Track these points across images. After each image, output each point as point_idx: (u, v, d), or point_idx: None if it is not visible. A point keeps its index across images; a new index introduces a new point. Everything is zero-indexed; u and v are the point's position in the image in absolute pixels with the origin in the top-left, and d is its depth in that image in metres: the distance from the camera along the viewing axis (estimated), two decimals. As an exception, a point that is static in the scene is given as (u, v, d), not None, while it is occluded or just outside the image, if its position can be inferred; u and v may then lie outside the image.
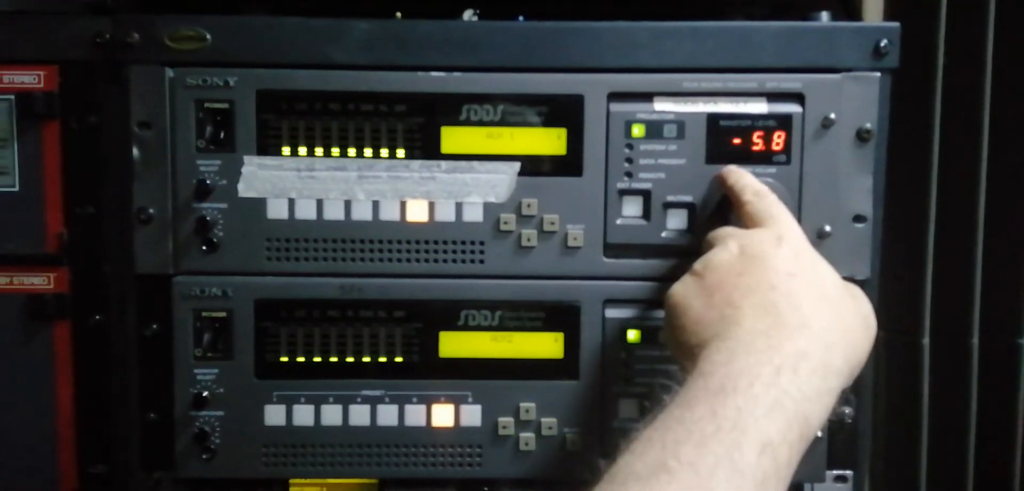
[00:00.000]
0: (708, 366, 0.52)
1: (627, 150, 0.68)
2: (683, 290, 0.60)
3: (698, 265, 0.61)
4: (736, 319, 0.54)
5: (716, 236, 0.63)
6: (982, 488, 0.79)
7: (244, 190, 0.68)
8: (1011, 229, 0.75)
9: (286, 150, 0.68)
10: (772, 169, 0.68)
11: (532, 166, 0.69)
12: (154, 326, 0.70)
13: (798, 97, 0.68)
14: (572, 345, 0.71)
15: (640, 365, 0.71)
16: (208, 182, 0.68)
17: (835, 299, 0.57)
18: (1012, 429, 0.77)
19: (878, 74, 0.68)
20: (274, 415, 0.71)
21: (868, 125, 0.68)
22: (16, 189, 0.69)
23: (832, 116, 0.67)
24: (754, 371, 0.51)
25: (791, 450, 0.50)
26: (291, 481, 0.73)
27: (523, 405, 0.71)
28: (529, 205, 0.69)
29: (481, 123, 0.68)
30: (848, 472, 0.73)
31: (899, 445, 0.79)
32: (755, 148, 0.68)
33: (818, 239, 0.68)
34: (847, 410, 0.71)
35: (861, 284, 0.69)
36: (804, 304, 0.55)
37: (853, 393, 0.71)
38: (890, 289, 0.75)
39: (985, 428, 0.77)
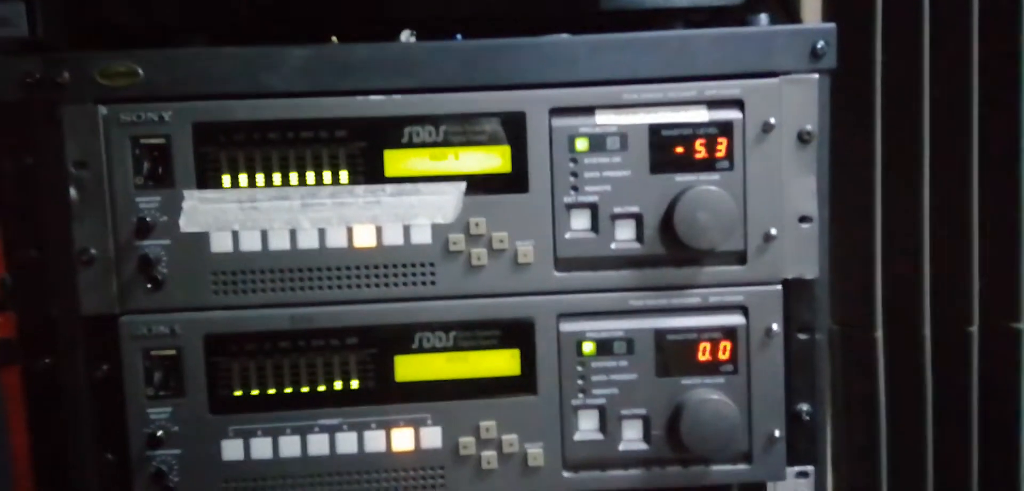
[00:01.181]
0: None
1: (572, 164, 0.68)
2: None
3: None
4: None
5: None
6: (941, 473, 0.79)
7: (186, 225, 0.67)
8: (957, 219, 0.76)
9: (227, 182, 0.67)
10: (715, 175, 0.68)
11: (478, 185, 0.68)
12: (104, 367, 0.69)
13: (738, 103, 0.68)
14: (528, 361, 0.70)
15: (597, 377, 0.71)
16: (149, 219, 0.67)
17: None
18: (967, 414, 0.78)
19: (816, 75, 0.68)
20: (231, 450, 0.70)
21: (809, 127, 0.68)
22: (-45, 236, 0.68)
23: (772, 120, 0.68)
24: None
25: None
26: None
27: (483, 423, 0.70)
28: (477, 224, 0.68)
29: (424, 145, 0.68)
30: (809, 468, 0.74)
31: (859, 437, 0.79)
32: (698, 156, 0.68)
33: (765, 242, 0.69)
34: (805, 408, 0.72)
35: (811, 284, 0.70)
36: None
37: (809, 392, 0.71)
38: (841, 286, 0.75)
39: (941, 414, 0.78)
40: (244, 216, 0.68)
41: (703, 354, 0.70)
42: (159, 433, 0.69)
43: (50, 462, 0.72)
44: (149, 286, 0.68)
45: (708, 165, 0.68)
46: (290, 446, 0.70)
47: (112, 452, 0.70)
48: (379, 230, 0.68)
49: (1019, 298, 0.75)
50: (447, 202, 0.68)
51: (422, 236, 0.68)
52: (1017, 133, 0.75)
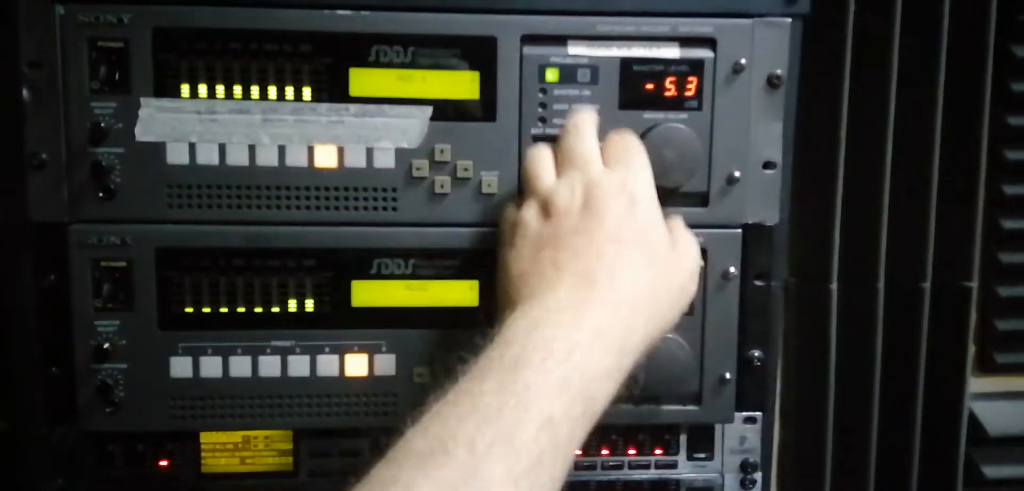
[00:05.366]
0: (510, 334, 0.54)
1: (541, 94, 0.67)
2: (522, 229, 0.61)
3: (544, 194, 0.61)
4: (554, 285, 0.56)
5: (569, 156, 0.63)
6: (886, 425, 0.81)
7: (142, 134, 0.65)
8: (917, 176, 0.77)
9: (185, 92, 0.66)
10: (684, 114, 0.68)
11: (445, 111, 0.67)
12: (51, 277, 0.67)
13: (710, 42, 0.67)
14: (486, 296, 0.70)
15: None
16: (103, 125, 0.65)
17: (659, 263, 0.60)
18: (915, 370, 0.79)
19: (789, 19, 0.68)
20: (180, 367, 0.69)
21: (779, 71, 0.68)
22: None
23: (743, 61, 0.67)
24: (551, 346, 0.52)
25: (573, 425, 0.52)
26: (202, 434, 0.72)
27: (438, 353, 0.70)
28: (442, 151, 0.67)
29: (391, 65, 0.66)
30: (757, 414, 0.75)
31: (807, 388, 0.80)
32: (667, 94, 0.67)
33: (728, 185, 0.69)
34: (756, 354, 0.72)
35: (770, 231, 0.70)
36: (624, 277, 0.57)
37: (762, 338, 0.72)
38: (799, 235, 0.76)
39: (890, 369, 0.79)
40: (202, 128, 0.66)
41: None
42: (106, 346, 0.67)
43: (-8, 373, 0.70)
44: (101, 195, 0.66)
45: (677, 103, 0.67)
46: (240, 366, 0.69)
47: (56, 365, 0.68)
48: (341, 151, 0.67)
49: (971, 258, 0.77)
50: (412, 126, 0.67)
51: (385, 160, 0.67)
52: (980, 98, 0.76)
